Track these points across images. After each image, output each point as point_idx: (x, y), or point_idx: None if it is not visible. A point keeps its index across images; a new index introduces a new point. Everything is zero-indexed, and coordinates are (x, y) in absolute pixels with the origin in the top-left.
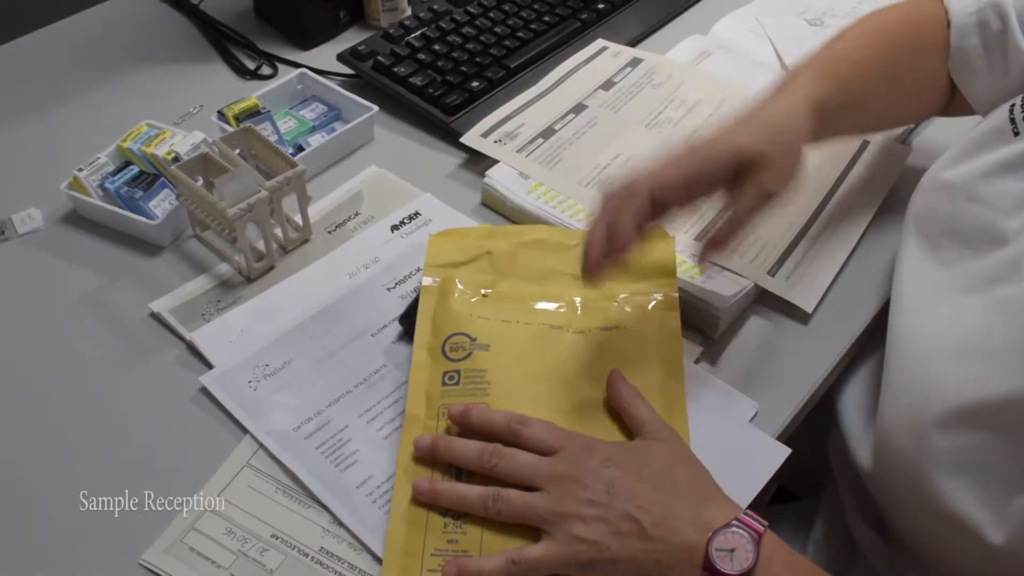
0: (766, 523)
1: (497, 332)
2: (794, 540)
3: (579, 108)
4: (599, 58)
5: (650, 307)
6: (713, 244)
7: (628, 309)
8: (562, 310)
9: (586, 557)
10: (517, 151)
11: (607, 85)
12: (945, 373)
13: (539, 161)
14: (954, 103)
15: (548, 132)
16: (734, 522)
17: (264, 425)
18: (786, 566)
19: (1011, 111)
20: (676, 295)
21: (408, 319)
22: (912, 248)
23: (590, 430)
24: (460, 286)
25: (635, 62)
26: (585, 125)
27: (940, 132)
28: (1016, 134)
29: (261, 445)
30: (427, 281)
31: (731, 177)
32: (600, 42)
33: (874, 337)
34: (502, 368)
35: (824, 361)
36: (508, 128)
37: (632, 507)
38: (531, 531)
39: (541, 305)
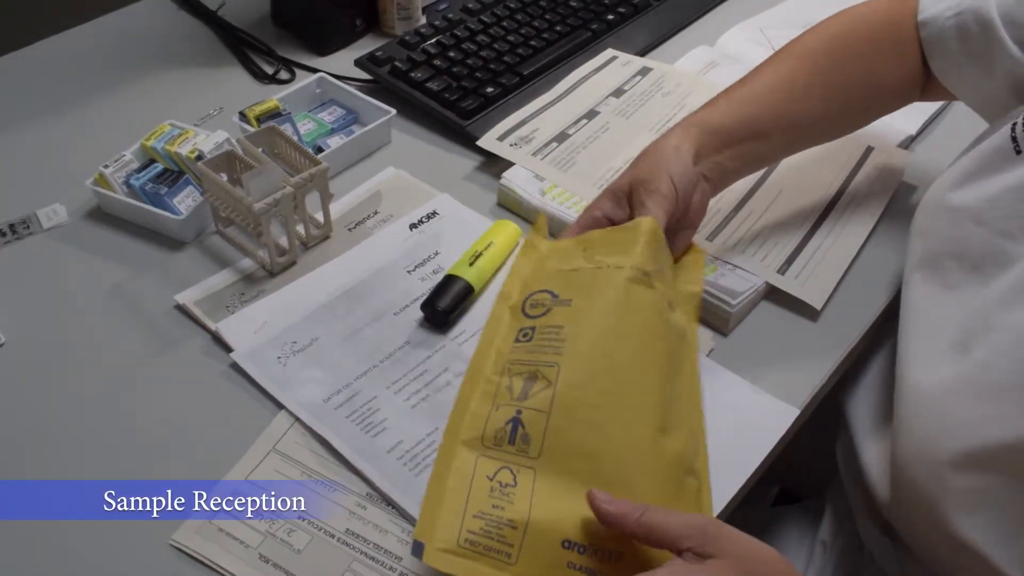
0: None
1: (582, 282)
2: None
3: (591, 114)
4: (609, 67)
5: (686, 303)
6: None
7: (675, 296)
8: (646, 257)
9: None
10: (532, 154)
11: (618, 93)
12: (957, 412)
13: (554, 164)
14: (928, 90)
15: (562, 136)
16: None
17: (296, 397)
18: None
19: (1013, 129)
20: (699, 290)
21: (429, 307)
22: (917, 270)
23: (657, 403)
24: (561, 250)
25: (644, 71)
26: (598, 130)
27: (943, 136)
28: (1018, 152)
29: (295, 417)
30: (532, 237)
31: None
32: (610, 51)
33: (881, 336)
34: (581, 323)
35: (832, 356)
36: (523, 132)
37: None
38: (577, 513)
39: (632, 247)
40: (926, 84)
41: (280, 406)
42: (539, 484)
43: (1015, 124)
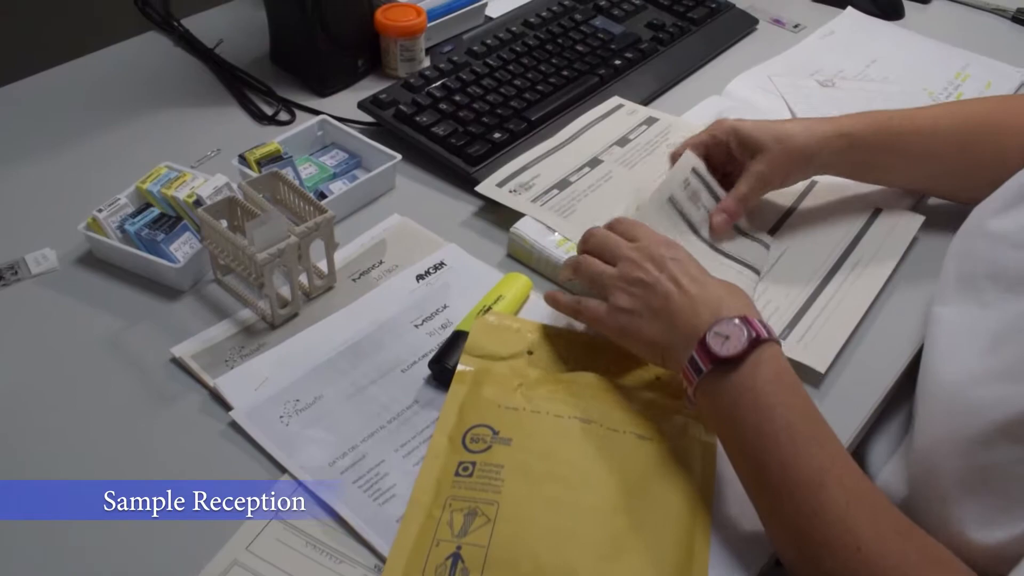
0: (777, 339)
1: (523, 425)
2: None
3: (594, 162)
4: (615, 115)
5: (690, 428)
6: (720, 211)
7: (667, 424)
8: (598, 405)
9: (622, 322)
10: (532, 200)
11: (622, 142)
12: (982, 393)
13: (554, 210)
14: None
15: (563, 184)
16: (739, 318)
17: (299, 460)
18: (774, 372)
19: None
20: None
21: (437, 364)
22: (951, 291)
23: (606, 535)
24: (495, 379)
25: (650, 121)
26: (600, 179)
27: None
28: None
29: (298, 482)
30: (463, 367)
31: (738, 151)
32: (616, 99)
33: (899, 397)
34: (520, 465)
35: (849, 423)
36: (524, 179)
37: (671, 289)
38: None
39: (576, 399)
40: None
41: (282, 469)
42: None
43: None
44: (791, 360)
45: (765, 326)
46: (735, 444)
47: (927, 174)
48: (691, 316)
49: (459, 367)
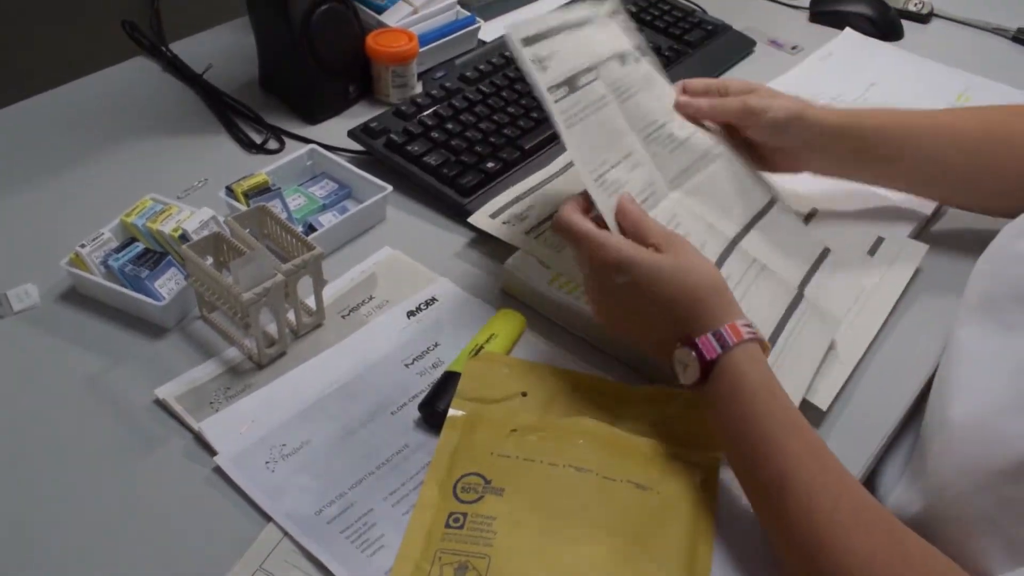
0: (736, 340)
1: (516, 473)
2: None
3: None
4: None
5: (689, 476)
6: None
7: (665, 471)
8: (593, 452)
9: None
10: (526, 232)
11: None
12: (1006, 426)
13: (548, 244)
14: None
15: None
16: (688, 344)
17: (285, 508)
18: (728, 387)
19: None
20: (718, 467)
21: (428, 407)
22: (975, 311)
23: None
24: (488, 424)
25: None
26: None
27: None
28: None
29: (284, 531)
30: (454, 412)
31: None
32: None
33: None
34: (512, 517)
35: (858, 459)
36: (516, 210)
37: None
38: None
39: (571, 445)
40: None
41: (268, 518)
42: None
43: None
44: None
45: (716, 335)
46: (729, 455)
47: (933, 174)
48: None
49: (450, 412)
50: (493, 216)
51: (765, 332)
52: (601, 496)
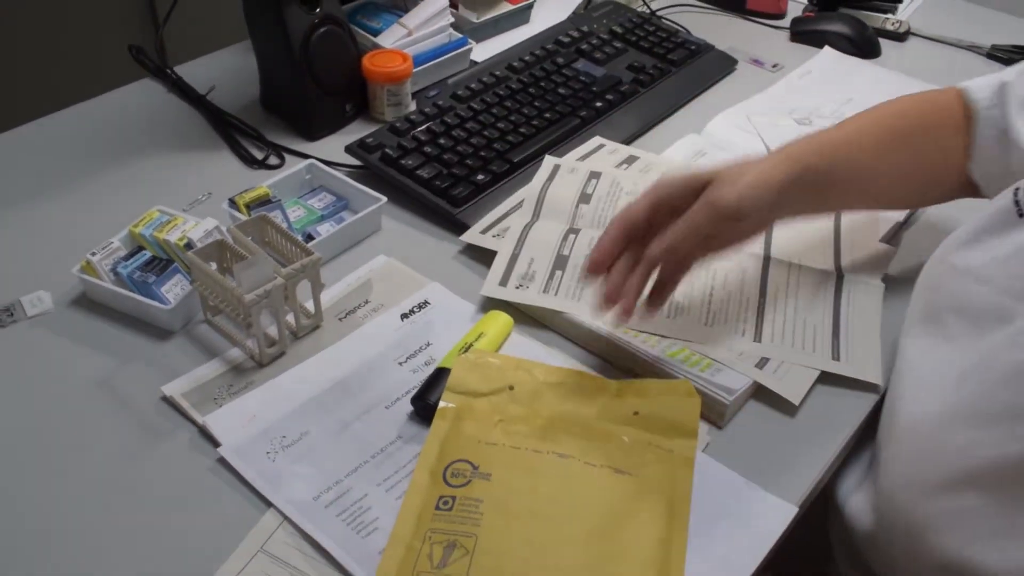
0: None
1: (502, 460)
2: None
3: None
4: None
5: (665, 462)
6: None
7: (643, 458)
8: (575, 440)
9: None
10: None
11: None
12: (948, 438)
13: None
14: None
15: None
16: None
17: (285, 495)
18: None
19: (1016, 193)
20: (693, 455)
21: (419, 401)
22: (919, 324)
23: (581, 566)
24: (476, 415)
25: (631, 159)
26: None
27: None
28: (1020, 215)
29: (283, 516)
30: (444, 404)
31: (691, 196)
32: (597, 139)
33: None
34: (498, 500)
35: (828, 450)
36: (505, 224)
37: None
38: None
39: (554, 433)
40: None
41: (268, 504)
42: None
43: (1017, 188)
44: (767, 390)
45: None
46: None
47: (879, 191)
48: None
49: (441, 403)
50: (484, 232)
51: (825, 320)
52: (582, 480)
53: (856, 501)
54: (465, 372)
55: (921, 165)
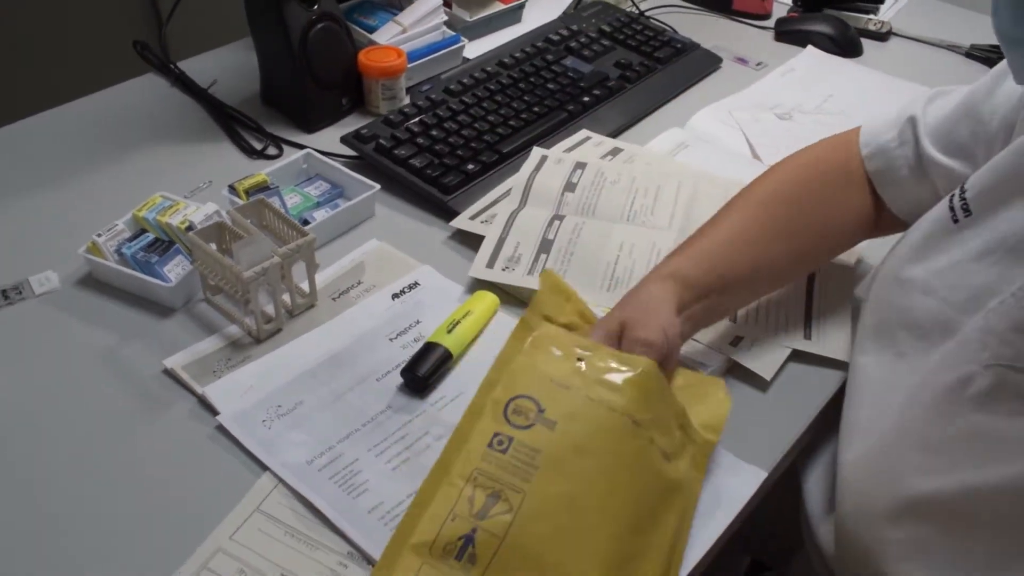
0: None
1: (572, 409)
2: None
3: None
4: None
5: (691, 460)
6: None
7: (684, 450)
8: (652, 404)
9: None
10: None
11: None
12: (893, 465)
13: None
14: (880, 226)
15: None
16: None
17: (280, 459)
18: None
19: (951, 200)
20: (706, 460)
21: (409, 373)
22: (870, 339)
23: (615, 554)
24: (556, 345)
25: (615, 151)
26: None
27: None
28: (955, 221)
29: (279, 479)
30: (527, 320)
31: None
32: (584, 132)
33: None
34: (557, 457)
35: (795, 426)
36: (493, 211)
37: None
38: None
39: (635, 390)
40: (878, 219)
41: (264, 468)
42: None
43: (952, 196)
44: (741, 366)
45: None
46: None
47: (781, 273)
48: None
49: (523, 318)
50: (472, 218)
51: (798, 301)
52: (642, 456)
53: (824, 528)
54: (550, 293)
55: (823, 230)
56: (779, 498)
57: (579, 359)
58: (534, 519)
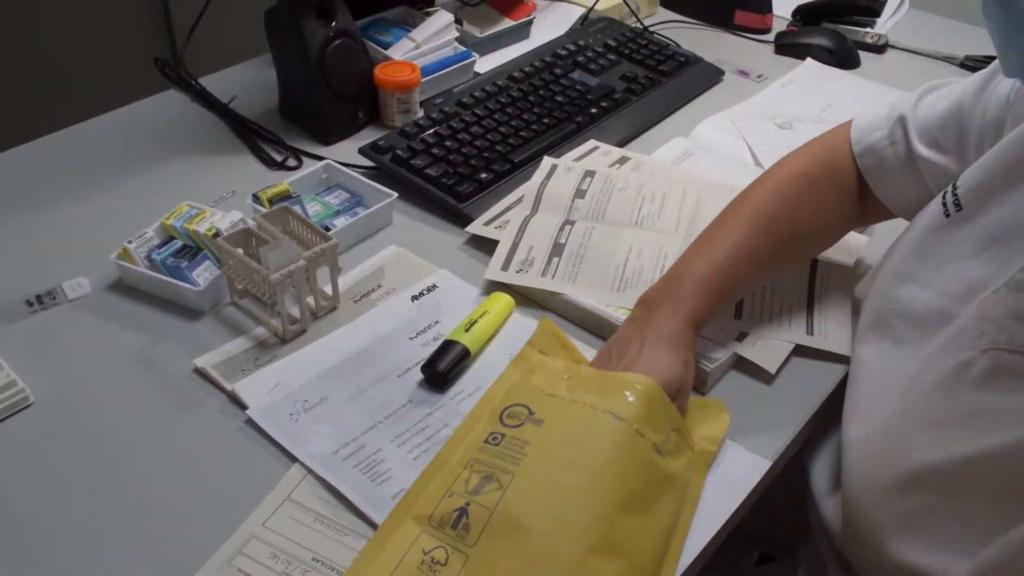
0: None
1: (558, 409)
2: None
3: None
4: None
5: (690, 459)
6: None
7: (679, 446)
8: (636, 407)
9: None
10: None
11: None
12: (899, 441)
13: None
14: (871, 216)
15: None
16: None
17: (307, 450)
18: None
19: (943, 196)
20: (710, 462)
21: (429, 368)
22: (869, 330)
23: (600, 532)
24: (548, 371)
25: (623, 160)
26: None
27: None
28: (948, 216)
29: (307, 469)
30: (526, 352)
31: None
32: (592, 142)
33: (839, 401)
34: (543, 446)
35: (798, 417)
36: (507, 217)
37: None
38: None
39: (617, 395)
40: (870, 210)
41: (293, 459)
42: (466, 570)
43: (945, 192)
44: (746, 360)
45: None
46: None
47: (780, 268)
48: None
49: (521, 352)
50: (487, 224)
51: (800, 298)
52: (629, 447)
53: (829, 505)
54: (547, 336)
55: (820, 232)
56: (785, 492)
57: (568, 376)
58: (522, 495)
